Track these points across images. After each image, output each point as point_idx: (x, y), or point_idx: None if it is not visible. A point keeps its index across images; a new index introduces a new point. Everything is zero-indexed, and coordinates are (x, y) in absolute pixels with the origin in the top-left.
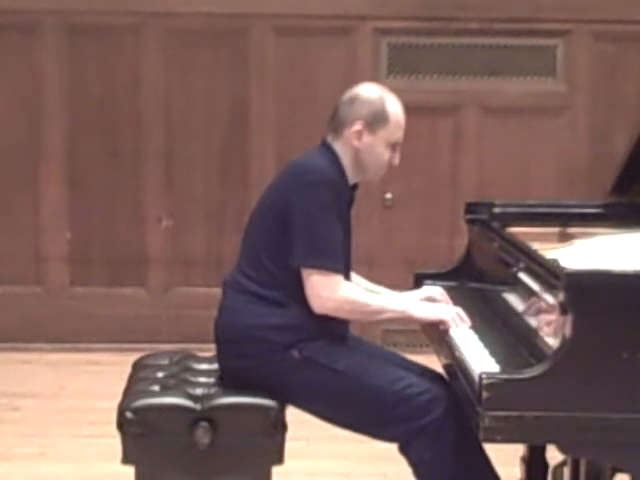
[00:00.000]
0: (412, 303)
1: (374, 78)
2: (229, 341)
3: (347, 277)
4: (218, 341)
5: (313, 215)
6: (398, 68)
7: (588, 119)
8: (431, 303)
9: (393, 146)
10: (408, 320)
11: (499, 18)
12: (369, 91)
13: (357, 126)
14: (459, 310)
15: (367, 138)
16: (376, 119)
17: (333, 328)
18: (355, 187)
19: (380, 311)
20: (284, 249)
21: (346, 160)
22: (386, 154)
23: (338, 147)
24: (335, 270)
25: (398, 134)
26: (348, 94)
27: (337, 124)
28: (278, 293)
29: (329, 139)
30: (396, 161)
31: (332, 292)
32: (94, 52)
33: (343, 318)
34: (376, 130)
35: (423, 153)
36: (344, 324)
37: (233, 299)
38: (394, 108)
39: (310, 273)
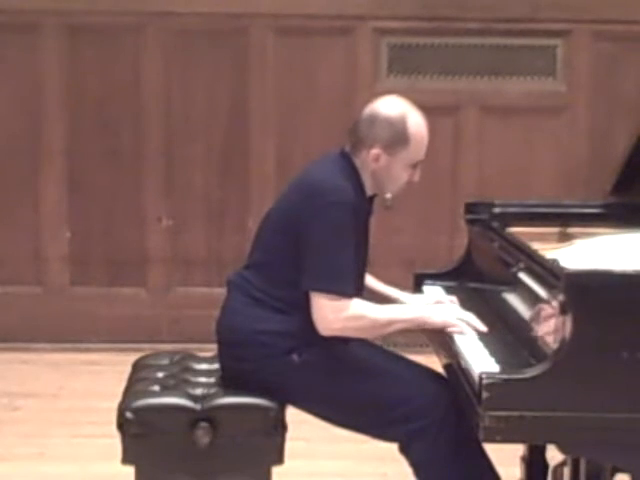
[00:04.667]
0: (424, 309)
1: (374, 78)
2: (230, 343)
3: (361, 284)
4: (219, 341)
5: (327, 238)
6: (398, 68)
7: (588, 119)
8: (442, 306)
9: (414, 166)
10: (422, 326)
11: (499, 18)
12: (390, 109)
13: (375, 150)
14: (471, 316)
15: (385, 160)
16: (396, 141)
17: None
18: (373, 196)
19: (390, 323)
20: (293, 265)
21: (364, 175)
22: (405, 175)
23: (357, 162)
24: (344, 294)
25: (419, 155)
26: (369, 110)
27: (356, 141)
28: (282, 301)
29: (348, 150)
30: (416, 178)
31: (338, 314)
32: (94, 52)
33: (355, 337)
34: (395, 152)
35: None
36: None
37: (236, 301)
38: (416, 128)
39: (318, 296)
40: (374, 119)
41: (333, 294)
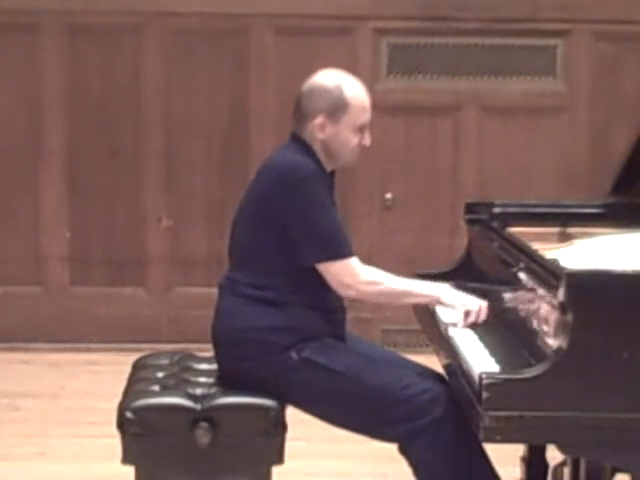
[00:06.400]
0: (442, 289)
1: (374, 78)
2: (227, 344)
3: None
4: (216, 344)
5: (308, 211)
6: (398, 68)
7: (588, 119)
8: (461, 292)
9: (360, 129)
10: (435, 304)
11: (499, 18)
12: (326, 79)
13: (318, 119)
14: (485, 304)
15: (331, 128)
16: (336, 108)
17: (331, 328)
18: (332, 173)
19: (406, 294)
20: (277, 250)
21: (317, 150)
22: (354, 139)
23: (307, 138)
24: (349, 255)
25: (363, 117)
26: (307, 84)
27: (300, 117)
28: (274, 295)
29: (297, 131)
30: (367, 142)
31: (354, 277)
32: (94, 52)
33: (371, 301)
34: (338, 119)
35: (423, 153)
36: (342, 324)
37: (229, 301)
38: (353, 92)
39: (327, 266)
40: (311, 91)
41: (339, 258)
